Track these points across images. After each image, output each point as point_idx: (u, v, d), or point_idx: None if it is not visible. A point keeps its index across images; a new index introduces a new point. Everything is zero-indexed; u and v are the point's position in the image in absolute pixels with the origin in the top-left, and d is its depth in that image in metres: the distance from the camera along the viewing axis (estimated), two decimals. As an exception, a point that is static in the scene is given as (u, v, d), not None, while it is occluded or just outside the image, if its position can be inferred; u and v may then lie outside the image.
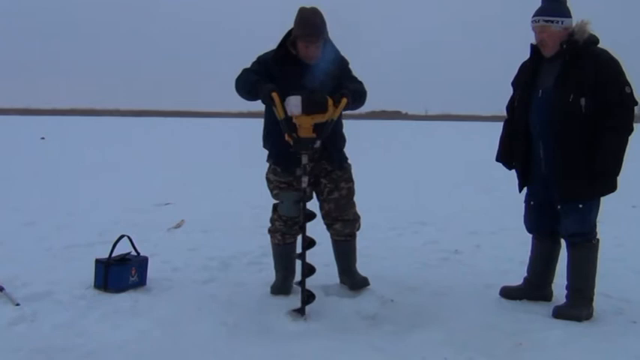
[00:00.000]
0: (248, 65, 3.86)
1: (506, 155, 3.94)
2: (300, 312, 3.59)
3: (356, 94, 3.81)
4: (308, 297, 3.65)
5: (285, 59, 3.79)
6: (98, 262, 4.08)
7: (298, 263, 3.84)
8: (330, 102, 3.67)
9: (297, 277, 3.84)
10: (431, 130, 43.09)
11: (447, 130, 42.91)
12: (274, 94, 3.62)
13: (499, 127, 4.06)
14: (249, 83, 3.74)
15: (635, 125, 3.58)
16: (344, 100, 3.69)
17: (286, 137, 3.67)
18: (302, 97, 3.58)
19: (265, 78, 3.74)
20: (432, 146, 23.42)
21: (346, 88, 3.75)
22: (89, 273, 4.10)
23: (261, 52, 3.90)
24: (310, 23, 3.70)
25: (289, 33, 3.79)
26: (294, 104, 3.58)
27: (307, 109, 3.59)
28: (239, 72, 3.84)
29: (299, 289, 3.68)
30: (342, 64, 3.92)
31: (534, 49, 3.75)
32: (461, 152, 19.37)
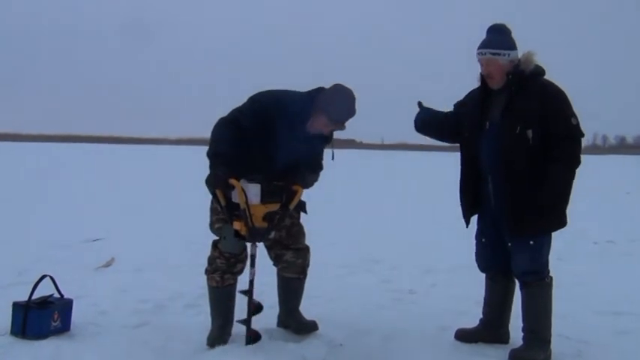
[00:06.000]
0: (243, 103, 3.79)
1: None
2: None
3: (310, 179, 3.88)
4: (254, 337, 3.69)
5: (297, 122, 3.75)
6: (16, 305, 3.97)
7: (238, 308, 3.86)
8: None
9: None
10: (386, 160, 43.65)
11: (402, 160, 43.55)
12: (233, 181, 3.56)
13: (455, 157, 4.17)
14: (214, 153, 3.63)
15: (582, 157, 3.73)
16: (300, 191, 3.79)
17: (237, 225, 3.64)
18: (262, 185, 3.63)
19: (258, 125, 3.69)
20: (385, 177, 23.73)
21: (301, 174, 3.80)
22: (6, 318, 3.98)
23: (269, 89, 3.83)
24: (347, 110, 3.73)
25: (312, 94, 3.77)
26: (253, 193, 3.62)
27: (265, 198, 3.65)
28: (228, 113, 3.74)
29: (238, 337, 3.71)
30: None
31: (483, 79, 3.87)
32: (416, 183, 19.69)
